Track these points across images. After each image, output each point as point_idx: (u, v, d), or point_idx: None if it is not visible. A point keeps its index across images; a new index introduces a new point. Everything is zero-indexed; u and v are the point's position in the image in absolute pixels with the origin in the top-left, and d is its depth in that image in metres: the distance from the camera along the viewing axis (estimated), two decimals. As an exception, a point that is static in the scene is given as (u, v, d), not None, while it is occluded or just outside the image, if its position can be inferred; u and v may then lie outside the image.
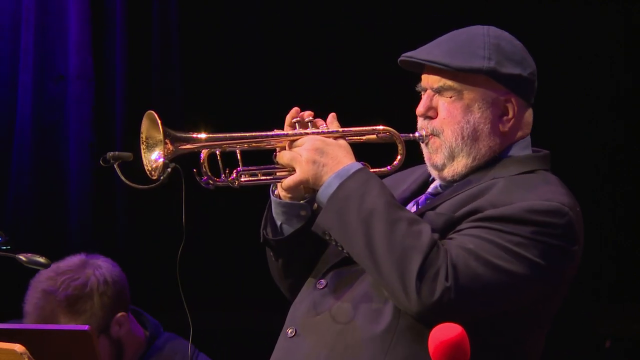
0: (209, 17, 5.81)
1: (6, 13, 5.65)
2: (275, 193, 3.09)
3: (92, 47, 5.69)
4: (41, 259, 3.49)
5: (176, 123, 5.74)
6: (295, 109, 3.06)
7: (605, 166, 5.34)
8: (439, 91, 3.03)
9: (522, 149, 3.07)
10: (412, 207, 3.10)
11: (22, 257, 3.47)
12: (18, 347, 2.93)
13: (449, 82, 3.02)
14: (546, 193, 2.92)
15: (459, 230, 2.90)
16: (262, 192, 3.14)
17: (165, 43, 5.78)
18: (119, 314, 4.11)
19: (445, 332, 2.43)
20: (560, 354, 3.07)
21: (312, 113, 3.07)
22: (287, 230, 3.11)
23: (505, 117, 3.03)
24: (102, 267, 4.12)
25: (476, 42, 3.02)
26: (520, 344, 2.97)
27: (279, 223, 3.11)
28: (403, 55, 3.07)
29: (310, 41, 5.72)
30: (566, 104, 5.22)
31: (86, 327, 3.30)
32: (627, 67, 5.33)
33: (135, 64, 5.74)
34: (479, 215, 2.89)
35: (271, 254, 3.17)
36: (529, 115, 3.08)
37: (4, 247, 3.47)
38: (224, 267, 5.71)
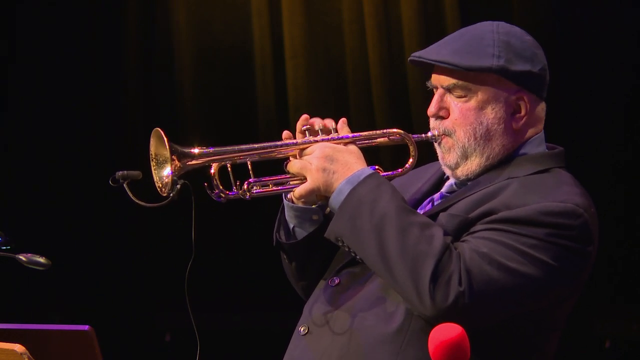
0: (210, 17, 5.81)
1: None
2: (288, 197, 3.08)
3: (93, 47, 5.71)
4: (41, 259, 3.49)
5: (177, 123, 5.76)
6: (304, 116, 3.05)
7: (604, 165, 5.33)
8: (450, 89, 3.02)
9: (536, 146, 3.05)
10: (427, 205, 3.09)
11: (22, 257, 3.47)
12: (18, 347, 2.93)
13: (459, 82, 3.00)
14: (560, 194, 2.90)
15: (473, 232, 2.89)
16: (272, 202, 3.14)
17: (165, 43, 5.78)
18: None
19: (445, 333, 2.43)
20: (561, 354, 3.06)
21: (319, 119, 3.05)
22: (300, 233, 3.11)
23: (517, 115, 3.02)
24: None
25: (485, 39, 3.00)
26: (535, 344, 2.96)
27: (291, 226, 3.11)
28: (412, 55, 3.05)
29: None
30: (564, 101, 5.22)
31: (86, 327, 3.29)
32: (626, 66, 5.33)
33: (135, 64, 5.74)
34: (493, 217, 2.88)
35: (285, 256, 3.17)
36: (541, 110, 3.06)
37: (4, 247, 3.47)
38: (231, 272, 5.71)
